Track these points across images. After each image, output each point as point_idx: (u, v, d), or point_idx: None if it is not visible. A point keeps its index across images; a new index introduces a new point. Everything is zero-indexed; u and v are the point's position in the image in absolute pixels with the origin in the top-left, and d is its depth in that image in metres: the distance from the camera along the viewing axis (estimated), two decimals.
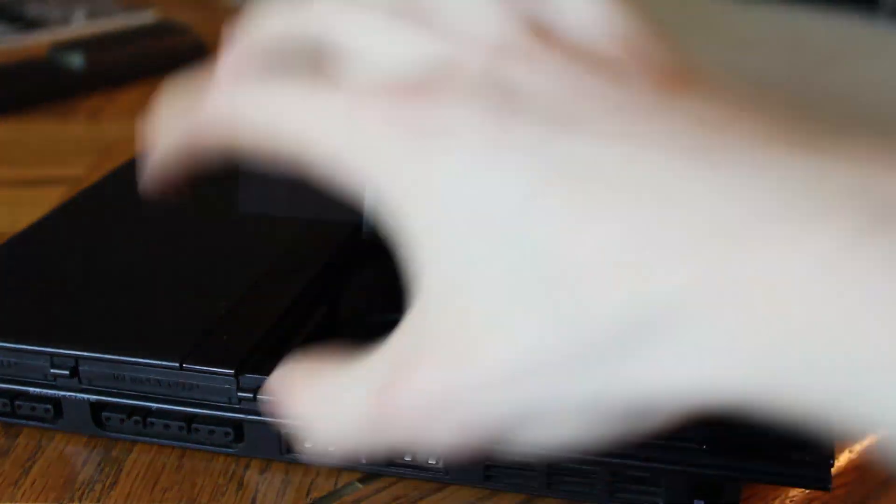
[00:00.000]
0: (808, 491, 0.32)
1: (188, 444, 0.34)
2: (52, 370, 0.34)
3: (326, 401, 0.24)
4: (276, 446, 0.33)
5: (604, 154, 0.21)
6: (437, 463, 0.32)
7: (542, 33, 0.23)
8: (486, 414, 0.22)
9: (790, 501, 0.32)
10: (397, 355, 0.23)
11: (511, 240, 0.21)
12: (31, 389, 0.34)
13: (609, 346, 0.20)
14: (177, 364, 0.32)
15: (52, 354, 0.33)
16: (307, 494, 0.33)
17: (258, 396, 0.32)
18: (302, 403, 0.25)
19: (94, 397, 0.34)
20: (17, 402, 0.35)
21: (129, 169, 0.49)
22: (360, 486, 0.33)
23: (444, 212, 0.22)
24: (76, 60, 0.71)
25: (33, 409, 0.35)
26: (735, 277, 0.19)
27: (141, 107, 0.74)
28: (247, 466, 0.34)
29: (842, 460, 0.34)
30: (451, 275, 0.22)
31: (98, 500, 0.32)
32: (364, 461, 0.33)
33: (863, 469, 0.34)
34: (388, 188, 0.22)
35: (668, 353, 0.20)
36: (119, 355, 0.33)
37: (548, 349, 0.20)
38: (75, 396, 0.34)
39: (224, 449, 0.34)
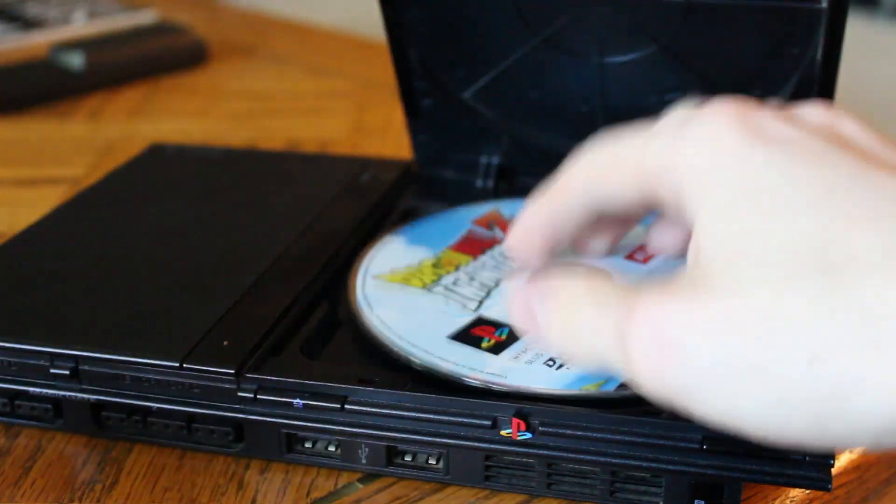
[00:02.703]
0: (808, 491, 0.32)
1: (188, 445, 0.34)
2: (52, 370, 0.33)
3: (571, 316, 0.29)
4: (277, 446, 0.33)
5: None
6: (437, 463, 0.32)
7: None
8: (698, 353, 0.24)
9: (790, 501, 0.32)
10: (653, 287, 0.26)
11: (799, 222, 0.24)
12: (31, 389, 0.34)
13: (866, 344, 0.22)
14: (177, 364, 0.32)
15: (52, 354, 0.33)
16: (307, 494, 0.33)
17: (258, 396, 0.32)
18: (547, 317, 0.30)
19: (94, 397, 0.34)
20: (17, 402, 0.35)
21: (129, 169, 0.49)
22: (359, 486, 0.33)
23: (753, 188, 0.25)
24: (76, 60, 0.71)
25: (33, 409, 0.35)
26: None
27: (141, 107, 0.74)
28: (247, 466, 0.34)
29: (842, 460, 0.34)
30: (740, 236, 0.25)
31: (98, 501, 0.32)
32: (365, 461, 0.33)
33: (863, 469, 0.34)
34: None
35: None
36: (119, 355, 0.33)
37: (798, 312, 0.23)
38: (75, 396, 0.34)
39: (224, 449, 0.34)
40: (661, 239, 0.37)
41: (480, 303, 0.36)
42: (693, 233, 0.27)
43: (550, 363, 0.32)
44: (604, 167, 0.31)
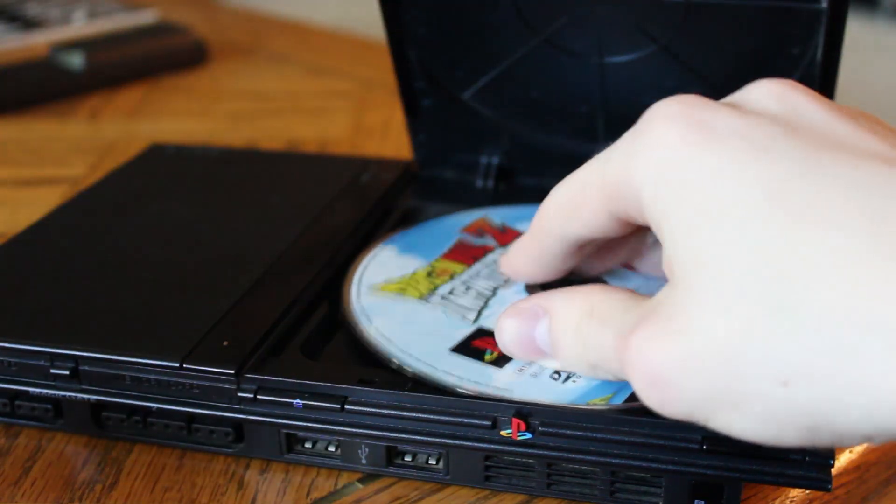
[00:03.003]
0: (808, 491, 0.32)
1: (188, 445, 0.34)
2: (52, 370, 0.34)
3: (571, 332, 0.29)
4: (277, 446, 0.33)
5: (851, 173, 0.24)
6: (437, 463, 0.32)
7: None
8: (686, 387, 0.24)
9: (790, 501, 0.32)
10: (642, 312, 0.26)
11: (749, 233, 0.24)
12: (31, 389, 0.34)
13: (831, 361, 0.22)
14: (177, 364, 0.32)
15: (52, 354, 0.33)
16: (307, 494, 0.33)
17: (258, 396, 0.32)
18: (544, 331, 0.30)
19: (94, 397, 0.34)
20: (17, 402, 0.35)
21: (128, 169, 0.49)
22: (359, 486, 0.33)
23: (702, 199, 0.25)
24: (76, 60, 0.71)
25: (33, 409, 0.35)
26: None
27: (141, 107, 0.74)
28: (247, 466, 0.34)
29: (842, 460, 0.34)
30: (696, 254, 0.25)
31: (98, 501, 0.32)
32: (365, 461, 0.33)
33: (863, 469, 0.34)
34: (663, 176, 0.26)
35: (881, 369, 0.22)
36: (119, 355, 0.33)
37: (759, 338, 0.23)
38: (75, 396, 0.34)
39: (224, 449, 0.34)
40: (643, 264, 0.37)
41: (479, 313, 0.36)
42: (663, 251, 0.27)
43: (556, 376, 0.32)
44: (570, 199, 0.31)
